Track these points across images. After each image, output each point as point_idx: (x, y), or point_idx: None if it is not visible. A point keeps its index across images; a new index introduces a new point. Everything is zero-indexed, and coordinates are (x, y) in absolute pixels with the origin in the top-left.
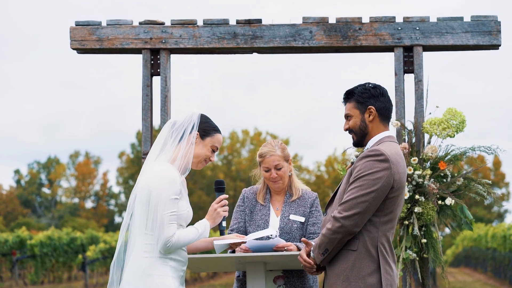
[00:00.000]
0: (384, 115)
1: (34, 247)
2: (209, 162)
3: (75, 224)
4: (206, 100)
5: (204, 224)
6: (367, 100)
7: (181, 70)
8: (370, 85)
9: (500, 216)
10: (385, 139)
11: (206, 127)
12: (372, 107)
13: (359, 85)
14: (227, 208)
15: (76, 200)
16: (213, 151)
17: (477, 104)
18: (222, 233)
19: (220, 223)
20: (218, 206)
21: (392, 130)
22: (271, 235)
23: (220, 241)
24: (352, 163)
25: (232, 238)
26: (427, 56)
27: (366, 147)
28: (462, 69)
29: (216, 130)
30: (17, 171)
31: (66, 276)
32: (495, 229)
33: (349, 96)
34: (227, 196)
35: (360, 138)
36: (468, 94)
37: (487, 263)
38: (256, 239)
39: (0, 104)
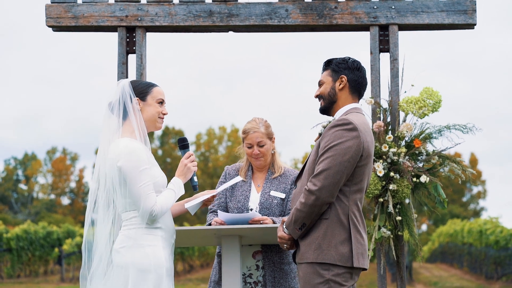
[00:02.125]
0: (355, 88)
1: (10, 241)
2: (164, 116)
3: (52, 220)
4: (183, 96)
5: (177, 182)
6: (341, 70)
7: (158, 68)
8: (350, 59)
9: (477, 214)
10: (352, 110)
11: (140, 88)
12: (344, 76)
13: (340, 57)
14: (196, 162)
15: (52, 196)
16: (161, 104)
17: (455, 103)
18: (195, 189)
19: (192, 179)
20: (188, 162)
21: (361, 104)
22: (251, 210)
23: (191, 203)
24: (320, 134)
25: (201, 195)
26: (404, 40)
27: (333, 118)
28: (441, 67)
29: (150, 85)
30: None
31: (43, 270)
32: (471, 225)
33: (327, 64)
34: (192, 153)
35: (327, 104)
36: (447, 93)
37: (463, 259)
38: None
39: None
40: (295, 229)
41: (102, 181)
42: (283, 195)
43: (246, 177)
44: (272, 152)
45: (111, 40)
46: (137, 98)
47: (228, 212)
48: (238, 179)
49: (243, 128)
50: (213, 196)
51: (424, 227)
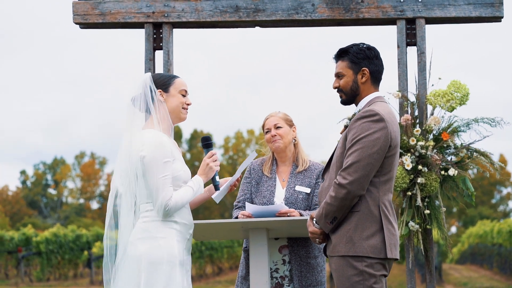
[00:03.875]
0: (376, 77)
1: (39, 244)
2: (187, 108)
3: (81, 225)
4: (211, 100)
5: (198, 181)
6: (361, 61)
7: (186, 70)
8: (365, 46)
9: (506, 215)
10: (376, 100)
11: (162, 80)
12: (366, 68)
13: (354, 45)
14: (218, 162)
15: (82, 200)
16: (184, 96)
17: (480, 103)
18: (216, 188)
19: (214, 178)
20: (210, 161)
21: (381, 92)
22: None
23: (216, 193)
24: (346, 126)
25: (224, 181)
26: (431, 35)
27: (357, 108)
28: (465, 67)
29: (172, 77)
30: (23, 172)
31: (72, 273)
32: (501, 225)
33: (342, 54)
34: (216, 152)
35: (349, 98)
36: (474, 89)
37: (493, 259)
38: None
39: (4, 106)
40: (326, 223)
41: (124, 173)
42: (308, 190)
43: (271, 172)
44: (294, 141)
45: (137, 42)
46: (160, 90)
47: None
48: (254, 155)
49: None
50: (237, 180)
51: (453, 229)
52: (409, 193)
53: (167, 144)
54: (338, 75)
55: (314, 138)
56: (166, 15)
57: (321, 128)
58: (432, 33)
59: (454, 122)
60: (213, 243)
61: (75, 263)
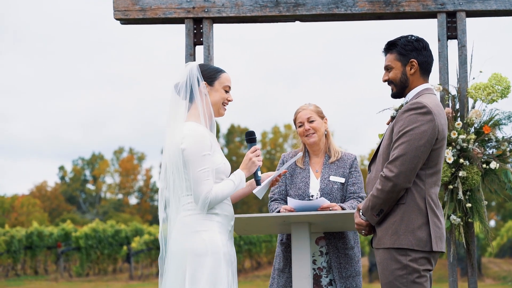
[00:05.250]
0: (425, 69)
1: (79, 240)
2: (228, 104)
3: (120, 220)
4: (249, 94)
5: (240, 175)
6: (409, 53)
7: (226, 65)
8: (413, 37)
9: None
10: (424, 92)
11: (209, 73)
12: (414, 60)
13: (402, 37)
14: (261, 157)
15: (120, 196)
16: (227, 92)
17: None
18: (258, 183)
19: (256, 173)
20: (253, 156)
21: (431, 84)
22: (312, 196)
23: (258, 187)
24: (392, 117)
25: (266, 176)
26: (472, 28)
27: (405, 100)
28: (507, 60)
29: (219, 71)
30: (61, 168)
31: (111, 268)
32: None
33: (391, 47)
34: (259, 147)
35: (399, 90)
36: None
37: None
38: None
39: (43, 102)
40: (373, 215)
41: (168, 166)
42: (342, 180)
43: (304, 164)
44: (325, 133)
45: (176, 38)
46: (205, 82)
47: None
48: (300, 155)
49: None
50: (280, 176)
51: (492, 223)
52: (451, 186)
53: (207, 138)
54: (387, 68)
55: (352, 131)
56: (206, 10)
57: (359, 123)
58: (473, 25)
59: (496, 115)
60: (251, 237)
61: (114, 258)
